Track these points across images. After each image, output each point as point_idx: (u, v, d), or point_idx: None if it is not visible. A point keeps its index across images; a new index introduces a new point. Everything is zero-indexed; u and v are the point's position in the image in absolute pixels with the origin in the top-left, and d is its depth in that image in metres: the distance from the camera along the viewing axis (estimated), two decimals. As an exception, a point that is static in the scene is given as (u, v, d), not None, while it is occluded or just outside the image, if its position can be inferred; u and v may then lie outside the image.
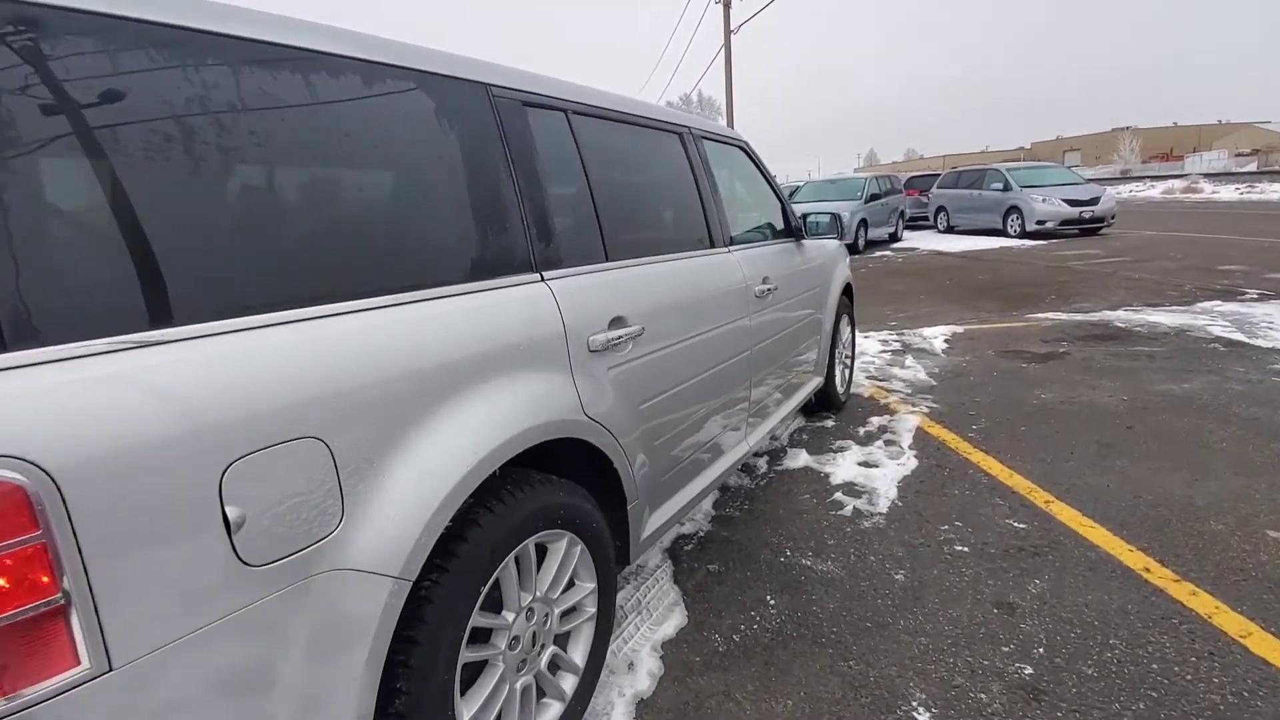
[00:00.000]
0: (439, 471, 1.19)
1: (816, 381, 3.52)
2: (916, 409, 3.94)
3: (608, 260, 1.82)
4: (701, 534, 2.66)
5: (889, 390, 4.35)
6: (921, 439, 3.50)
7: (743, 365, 2.48)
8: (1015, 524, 2.59)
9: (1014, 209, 13.83)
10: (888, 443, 3.47)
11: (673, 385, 1.98)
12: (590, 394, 1.61)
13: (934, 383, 4.46)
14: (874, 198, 14.06)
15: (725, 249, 2.46)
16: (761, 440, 2.76)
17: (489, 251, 1.45)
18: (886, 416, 3.84)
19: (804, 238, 3.23)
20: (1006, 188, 14.19)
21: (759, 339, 2.60)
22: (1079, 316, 6.25)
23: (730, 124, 21.15)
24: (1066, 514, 2.64)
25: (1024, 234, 13.56)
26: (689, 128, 2.44)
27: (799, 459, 3.31)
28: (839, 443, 3.50)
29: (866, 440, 3.52)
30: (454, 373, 1.26)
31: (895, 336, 5.90)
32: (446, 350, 1.26)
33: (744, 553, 2.50)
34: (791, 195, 15.98)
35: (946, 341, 5.58)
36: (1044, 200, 13.35)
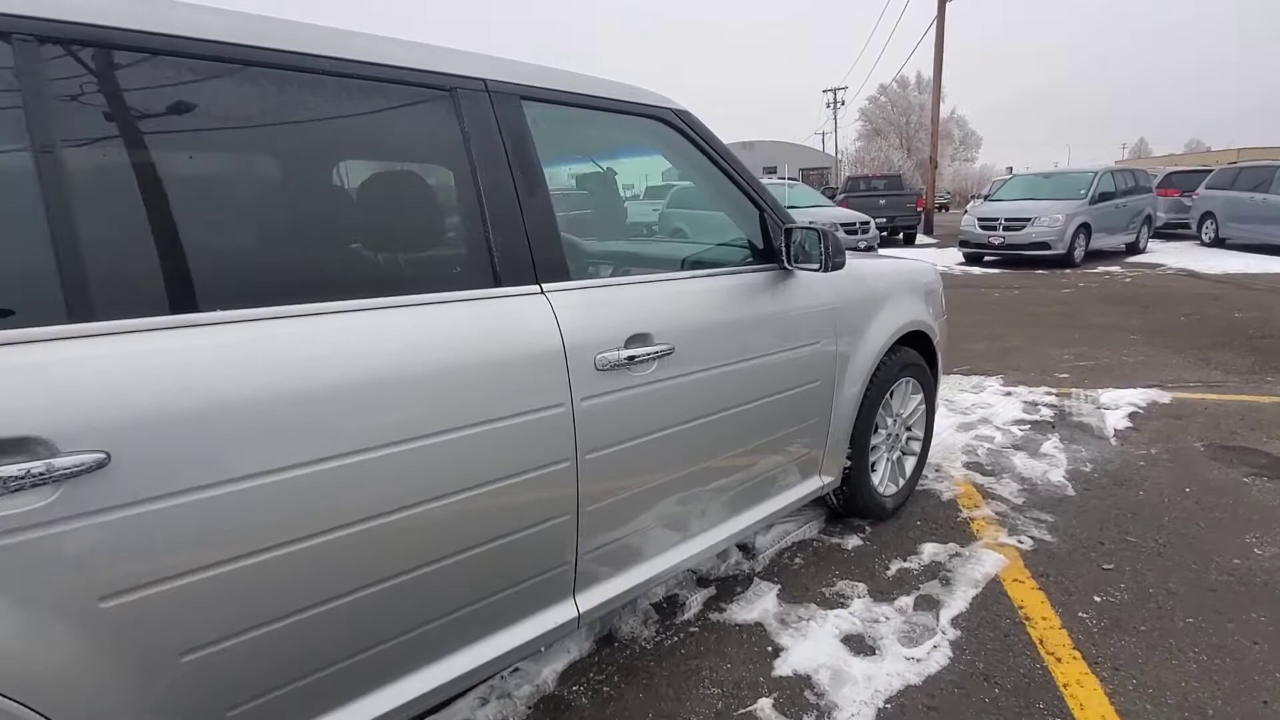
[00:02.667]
0: None
1: (813, 485, 2.27)
2: (1011, 540, 2.49)
3: (96, 319, 0.94)
4: (501, 732, 1.68)
5: (988, 494, 2.88)
6: (987, 607, 2.11)
7: (552, 485, 1.45)
8: None
9: (1322, 220, 10.09)
10: (922, 603, 2.14)
11: (247, 551, 1.05)
12: None
13: (1070, 492, 2.89)
14: (1104, 197, 11.09)
15: (528, 288, 1.43)
16: (625, 596, 1.69)
17: None
18: (952, 547, 2.46)
19: (796, 264, 2.02)
20: (1313, 190, 10.41)
21: (611, 439, 1.53)
22: (1390, 398, 3.97)
23: (936, 106, 18.47)
24: None
25: (1335, 255, 9.85)
26: (483, 80, 1.43)
27: (758, 604, 2.13)
28: (842, 585, 2.24)
29: (890, 590, 2.21)
30: None
31: (1054, 398, 4.17)
32: None
33: (525, 800, 1.48)
34: (992, 194, 13.30)
35: (1131, 417, 3.77)
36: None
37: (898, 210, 15.64)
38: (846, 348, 2.24)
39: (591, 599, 1.61)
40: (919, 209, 16.55)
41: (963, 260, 12.01)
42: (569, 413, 1.45)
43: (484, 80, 1.44)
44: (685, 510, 1.80)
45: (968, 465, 3.18)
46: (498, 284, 1.40)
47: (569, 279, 1.52)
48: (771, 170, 43.11)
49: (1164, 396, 4.11)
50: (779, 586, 2.23)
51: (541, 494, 1.44)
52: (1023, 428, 3.66)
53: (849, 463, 2.40)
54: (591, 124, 1.74)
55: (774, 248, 2.02)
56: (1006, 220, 10.83)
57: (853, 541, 2.51)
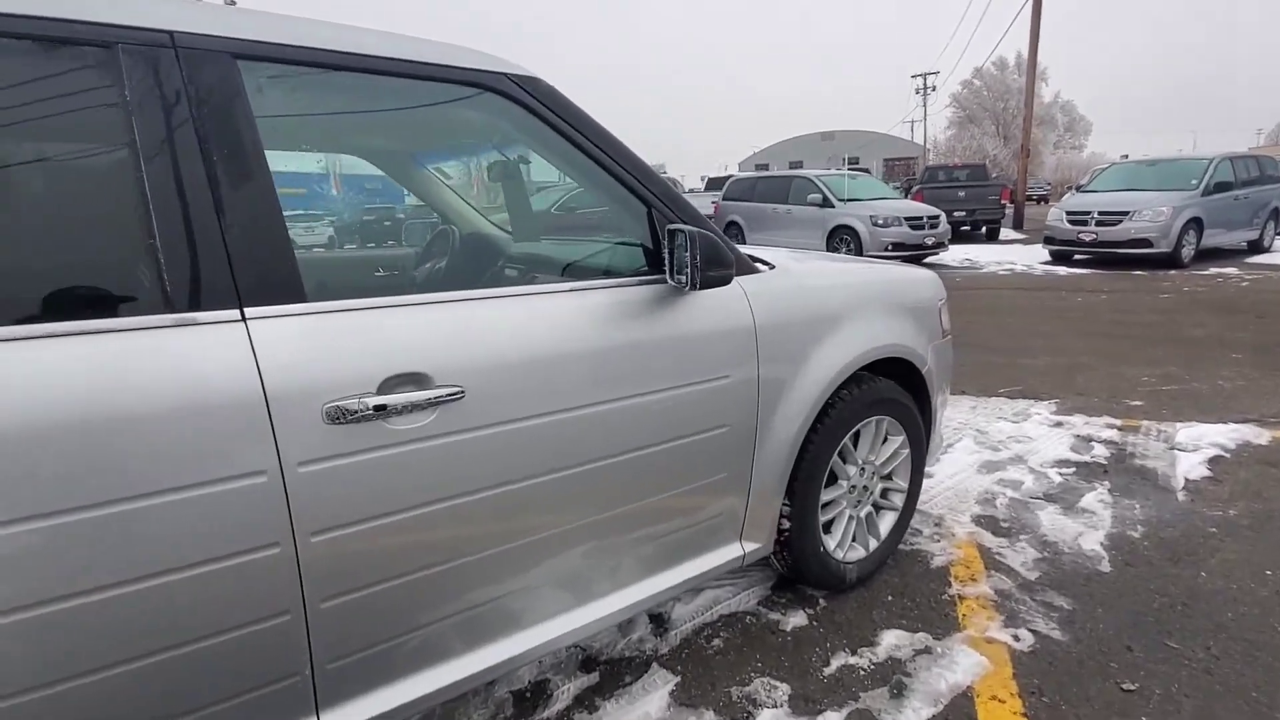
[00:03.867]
0: None
1: (728, 556, 1.79)
2: (1004, 634, 1.92)
3: None
4: None
5: (994, 563, 2.29)
6: (942, 734, 1.58)
7: (253, 577, 1.07)
8: None
9: None
10: (855, 721, 1.63)
11: None
12: None
13: (1105, 566, 2.26)
14: (1221, 188, 9.65)
15: (217, 313, 1.04)
16: (405, 711, 1.30)
17: None
18: (922, 638, 1.92)
19: (678, 275, 1.54)
20: None
21: (352, 515, 1.14)
22: None
23: (1031, 86, 16.89)
24: None
25: None
26: (168, 33, 1.05)
27: (641, 704, 1.67)
28: (758, 685, 1.75)
29: (818, 698, 1.71)
30: None
31: (1116, 432, 3.44)
32: None
33: None
34: (1087, 184, 11.91)
35: (1211, 463, 3.02)
36: None
37: (979, 203, 14.34)
38: (777, 379, 1.75)
39: (343, 718, 1.23)
40: (1004, 201, 15.14)
41: (1048, 259, 10.80)
42: (276, 482, 1.07)
43: (169, 33, 1.07)
44: (496, 600, 1.38)
45: (978, 519, 2.59)
46: (168, 309, 1.03)
47: (303, 299, 1.13)
48: (854, 161, 41.25)
49: (1261, 436, 3.30)
50: (678, 680, 1.77)
51: (237, 588, 1.07)
52: (1064, 471, 2.99)
53: (787, 524, 1.90)
54: (388, 97, 1.34)
55: (663, 255, 1.56)
56: (1100, 214, 9.60)
57: (795, 620, 2.01)
